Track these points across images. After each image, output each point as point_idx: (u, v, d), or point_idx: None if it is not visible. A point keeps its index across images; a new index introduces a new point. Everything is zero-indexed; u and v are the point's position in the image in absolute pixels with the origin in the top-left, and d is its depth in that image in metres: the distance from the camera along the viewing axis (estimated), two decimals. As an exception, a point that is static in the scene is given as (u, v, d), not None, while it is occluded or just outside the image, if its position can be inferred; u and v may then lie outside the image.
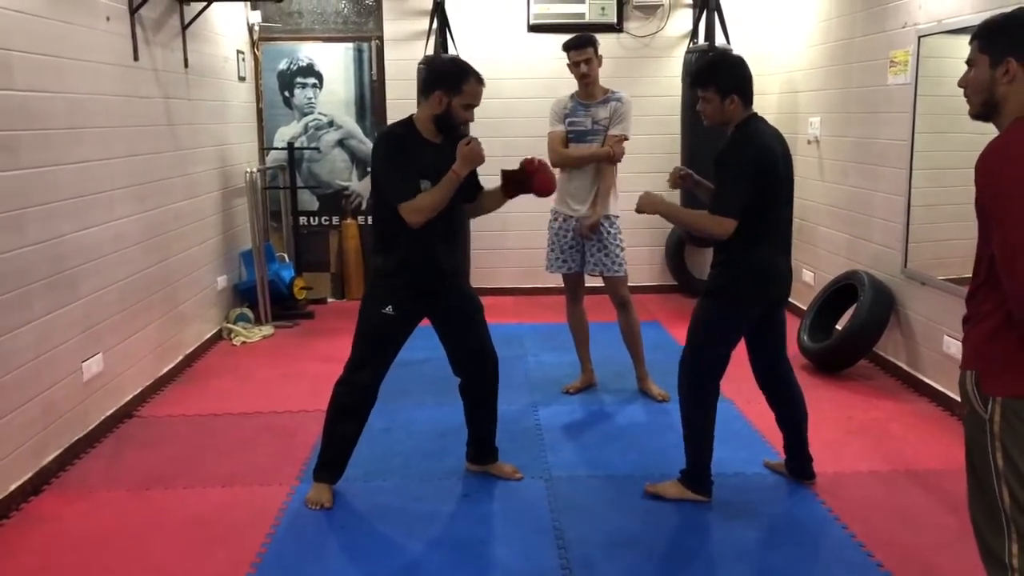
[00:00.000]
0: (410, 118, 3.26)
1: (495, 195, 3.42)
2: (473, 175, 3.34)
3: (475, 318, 3.46)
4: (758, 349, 3.45)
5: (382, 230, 3.30)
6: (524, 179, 3.33)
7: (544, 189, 3.37)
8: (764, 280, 3.23)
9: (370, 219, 6.78)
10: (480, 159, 3.16)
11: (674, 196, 6.71)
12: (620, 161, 4.41)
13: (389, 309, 3.22)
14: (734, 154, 3.13)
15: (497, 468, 3.62)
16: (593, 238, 4.41)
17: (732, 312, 3.26)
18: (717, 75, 3.16)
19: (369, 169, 6.40)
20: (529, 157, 3.37)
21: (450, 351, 3.49)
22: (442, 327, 3.44)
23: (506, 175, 3.37)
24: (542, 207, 6.85)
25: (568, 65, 4.36)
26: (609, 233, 4.40)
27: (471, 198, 3.43)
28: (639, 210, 3.36)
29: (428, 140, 3.21)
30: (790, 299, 6.36)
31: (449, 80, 3.15)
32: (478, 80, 3.20)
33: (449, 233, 3.30)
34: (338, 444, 3.38)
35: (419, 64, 5.95)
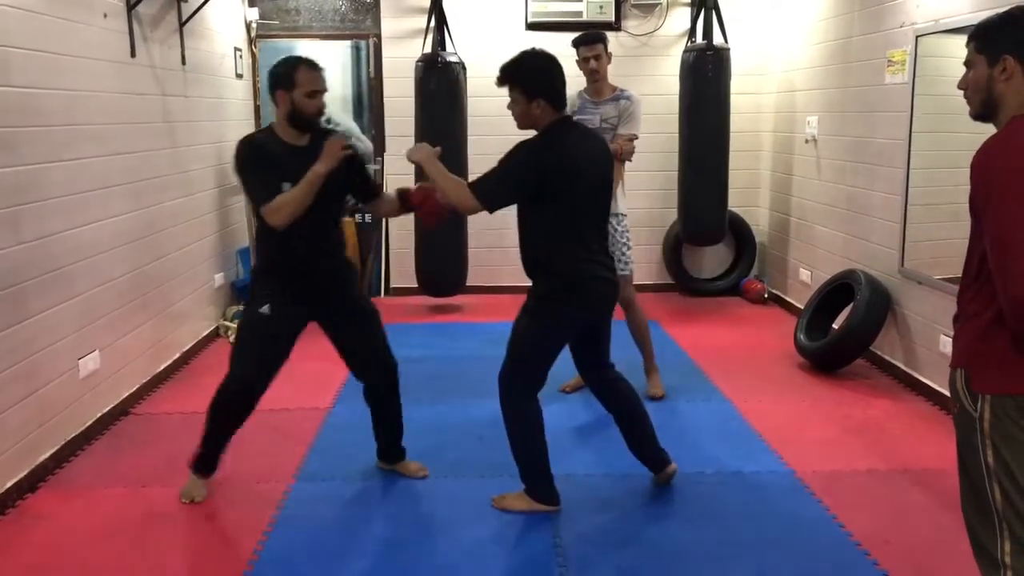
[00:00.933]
0: (270, 126, 3.26)
1: (392, 203, 3.43)
2: (365, 177, 3.37)
3: (366, 326, 3.42)
4: (579, 355, 3.39)
5: (257, 232, 3.33)
6: (412, 208, 3.35)
7: (428, 223, 3.36)
8: (574, 291, 3.09)
9: (367, 217, 6.78)
10: (339, 154, 3.10)
11: (670, 197, 6.71)
12: (629, 160, 4.39)
13: (266, 309, 3.21)
14: (520, 151, 3.02)
15: (403, 467, 3.64)
16: None
17: (547, 326, 3.15)
18: (522, 76, 3.02)
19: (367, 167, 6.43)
20: (419, 187, 3.36)
21: (344, 357, 3.47)
22: (332, 334, 3.41)
23: (400, 195, 3.38)
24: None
25: (577, 61, 4.35)
26: (616, 231, 4.39)
27: (366, 199, 3.42)
28: (409, 158, 3.22)
29: (290, 144, 3.18)
30: (787, 297, 6.42)
31: (281, 78, 3.14)
32: (309, 66, 3.17)
33: (321, 235, 3.24)
34: (215, 440, 3.40)
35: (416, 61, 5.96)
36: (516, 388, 3.18)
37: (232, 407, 3.32)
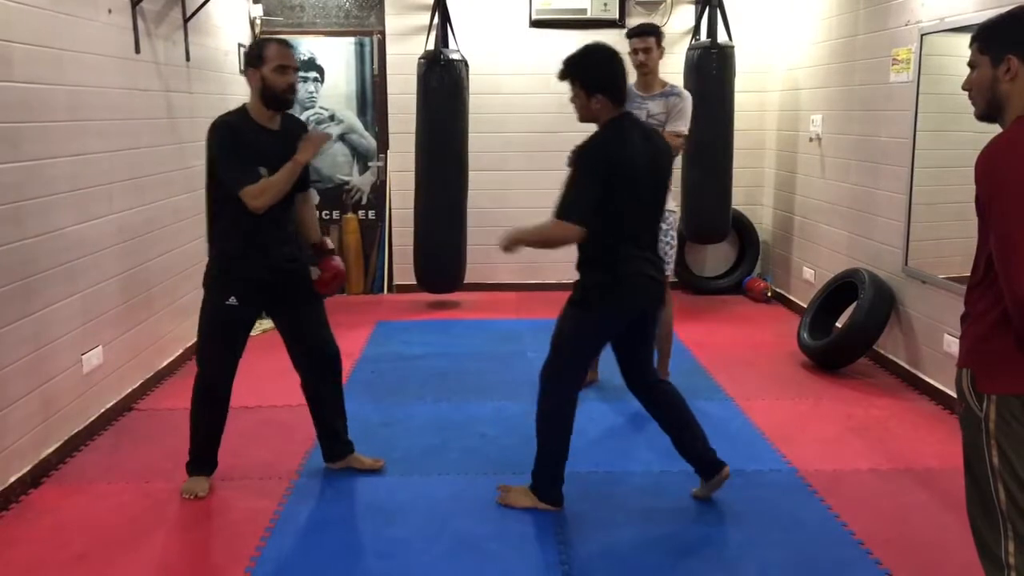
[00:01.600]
0: (243, 107, 3.22)
1: (310, 227, 3.48)
2: (306, 172, 3.33)
3: (313, 312, 3.43)
4: (622, 358, 3.34)
5: (215, 220, 3.27)
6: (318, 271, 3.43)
7: (321, 289, 3.45)
8: (621, 288, 3.07)
9: (371, 214, 6.78)
10: (321, 143, 3.19)
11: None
12: (676, 156, 4.32)
13: (233, 300, 3.21)
14: (583, 159, 2.98)
15: (357, 460, 3.61)
16: None
17: (590, 323, 3.14)
18: (583, 71, 3.00)
19: (370, 164, 6.40)
20: (334, 263, 3.43)
21: (290, 346, 3.47)
22: (282, 320, 3.42)
23: (316, 247, 3.46)
24: (543, 204, 6.87)
25: (628, 53, 4.30)
26: (661, 230, 4.36)
27: (303, 187, 3.38)
28: (506, 250, 3.14)
29: (264, 127, 3.18)
30: (790, 296, 6.41)
31: (252, 57, 3.15)
32: (280, 43, 3.18)
33: (282, 221, 3.28)
34: (204, 439, 3.42)
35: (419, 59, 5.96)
36: (557, 382, 3.20)
37: (207, 403, 3.36)
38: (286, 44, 3.19)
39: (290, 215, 3.33)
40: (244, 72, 3.20)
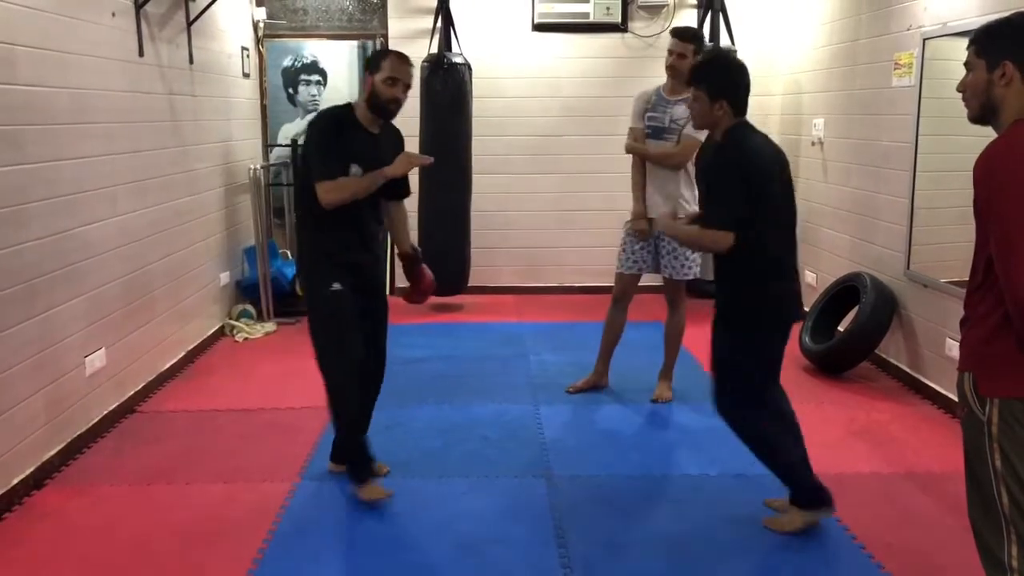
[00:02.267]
0: (349, 104, 3.31)
1: (402, 239, 3.54)
2: (405, 183, 3.41)
3: (381, 324, 3.46)
4: None
5: (305, 221, 3.31)
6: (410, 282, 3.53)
7: (413, 300, 3.60)
8: (779, 301, 3.03)
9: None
10: (416, 164, 3.27)
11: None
12: (687, 163, 4.27)
13: (336, 286, 3.22)
14: (723, 163, 2.99)
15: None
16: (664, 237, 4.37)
17: (760, 339, 3.05)
18: (708, 77, 3.02)
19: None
20: (423, 274, 3.54)
21: None
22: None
23: (410, 259, 3.54)
24: (545, 207, 6.90)
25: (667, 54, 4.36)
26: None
27: (391, 197, 3.42)
28: (668, 234, 3.42)
29: (365, 128, 3.25)
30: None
31: (371, 63, 3.24)
32: (399, 57, 3.23)
33: (376, 224, 3.37)
34: (354, 443, 3.37)
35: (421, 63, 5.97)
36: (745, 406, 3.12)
37: (346, 402, 3.29)
38: (404, 59, 3.24)
39: (376, 220, 3.37)
40: (363, 77, 3.29)
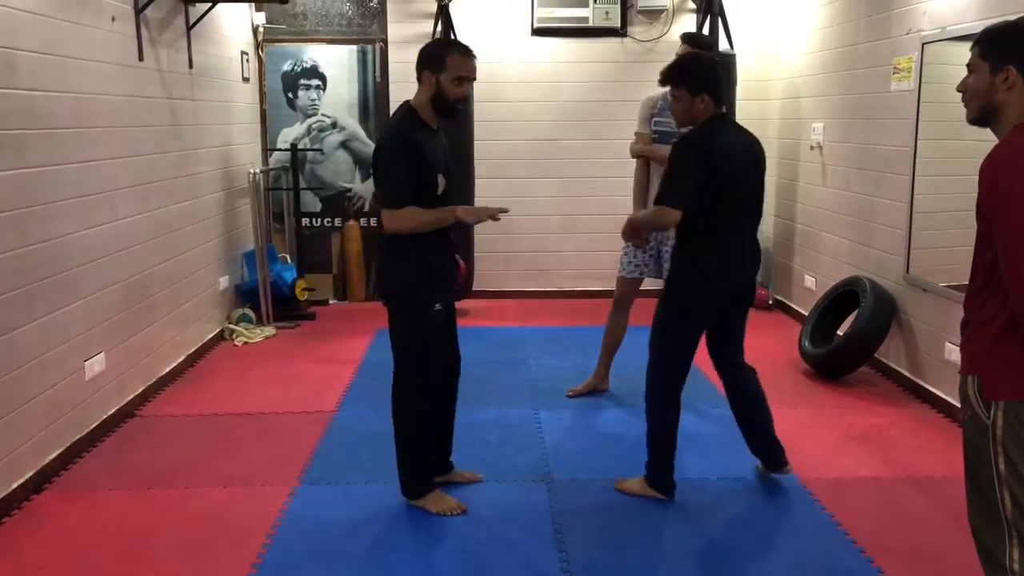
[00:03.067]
0: (409, 106, 3.13)
1: None
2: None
3: (453, 324, 3.45)
4: (712, 349, 3.55)
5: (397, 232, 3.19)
6: None
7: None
8: (708, 284, 3.27)
9: (372, 221, 6.79)
10: (475, 221, 3.24)
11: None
12: None
13: (438, 307, 3.18)
14: (687, 146, 3.19)
15: (458, 475, 3.57)
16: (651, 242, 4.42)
17: (681, 316, 3.32)
18: (685, 74, 3.22)
19: (371, 171, 6.40)
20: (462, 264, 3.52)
21: None
22: None
23: None
24: (546, 211, 6.90)
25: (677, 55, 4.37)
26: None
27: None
28: (630, 239, 3.56)
29: (431, 128, 3.15)
30: (791, 304, 6.41)
31: (432, 59, 3.06)
32: (462, 52, 3.08)
33: (450, 232, 3.32)
34: (426, 454, 3.33)
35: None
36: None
37: (427, 418, 3.28)
38: (470, 53, 3.10)
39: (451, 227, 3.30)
40: (418, 73, 3.09)
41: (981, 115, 2.03)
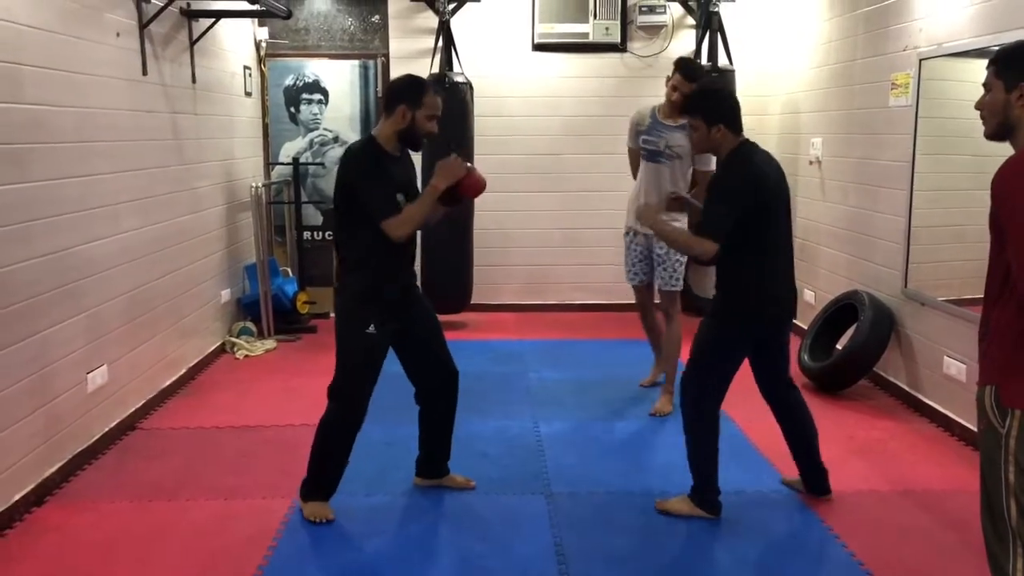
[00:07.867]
0: (371, 137, 3.26)
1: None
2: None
3: (436, 328, 3.46)
4: (760, 368, 3.51)
5: (352, 250, 3.27)
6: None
7: (472, 192, 3.35)
8: (761, 302, 3.28)
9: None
10: (460, 171, 3.20)
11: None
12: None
13: (372, 329, 3.22)
14: (724, 179, 3.24)
15: (450, 480, 3.64)
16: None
17: (731, 333, 3.33)
18: (702, 105, 3.25)
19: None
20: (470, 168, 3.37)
21: (414, 366, 3.47)
22: (407, 341, 3.41)
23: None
24: (546, 225, 6.93)
25: (667, 78, 4.45)
26: (670, 251, 4.42)
27: (457, 202, 3.39)
28: (640, 220, 3.67)
29: (391, 154, 3.24)
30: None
31: (410, 95, 3.17)
32: (436, 91, 3.26)
33: (412, 246, 3.36)
34: (333, 466, 3.37)
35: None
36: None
37: (350, 432, 3.32)
38: (440, 92, 3.24)
39: (415, 238, 3.37)
40: (390, 103, 3.19)
41: (999, 130, 2.11)
